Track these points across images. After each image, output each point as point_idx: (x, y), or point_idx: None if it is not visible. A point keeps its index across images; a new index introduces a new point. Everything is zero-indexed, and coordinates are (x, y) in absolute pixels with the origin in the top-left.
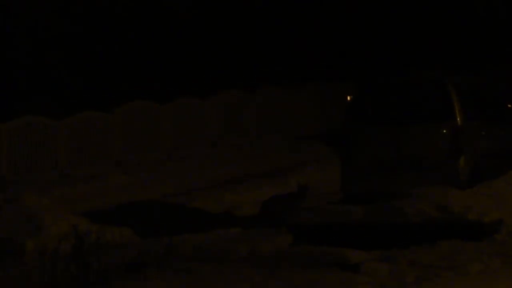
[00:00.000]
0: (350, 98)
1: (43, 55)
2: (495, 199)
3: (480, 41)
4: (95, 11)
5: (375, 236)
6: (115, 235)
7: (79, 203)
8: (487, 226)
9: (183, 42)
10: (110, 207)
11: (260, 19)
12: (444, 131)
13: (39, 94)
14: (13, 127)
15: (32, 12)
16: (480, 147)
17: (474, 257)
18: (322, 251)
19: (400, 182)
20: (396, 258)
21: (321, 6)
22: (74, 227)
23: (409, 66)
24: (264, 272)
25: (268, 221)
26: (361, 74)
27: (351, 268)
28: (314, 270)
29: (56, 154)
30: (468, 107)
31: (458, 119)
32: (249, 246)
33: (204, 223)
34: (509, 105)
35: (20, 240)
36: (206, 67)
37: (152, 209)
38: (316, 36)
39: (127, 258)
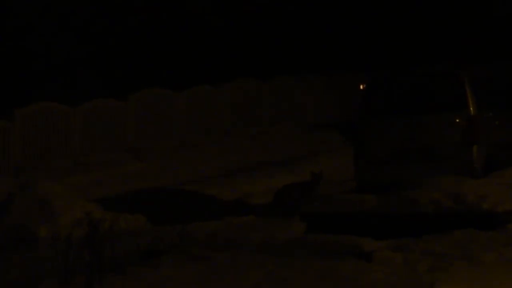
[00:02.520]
0: (363, 86)
1: (59, 43)
2: (509, 189)
3: (494, 33)
4: (110, 0)
5: (388, 225)
6: (128, 222)
7: (93, 190)
8: (500, 216)
9: (198, 30)
10: (124, 194)
11: (275, 8)
12: (457, 121)
13: (54, 81)
14: (27, 113)
15: (48, 0)
16: (493, 137)
17: (488, 247)
18: (335, 239)
19: (413, 171)
20: (410, 247)
21: None
22: (87, 214)
23: (423, 57)
24: (277, 260)
25: (282, 209)
26: (375, 64)
27: (365, 257)
28: (328, 258)
29: (70, 141)
30: (481, 97)
31: (471, 109)
32: (263, 234)
33: (217, 211)
34: None
35: (34, 226)
36: (220, 56)
37: (166, 197)
38: (330, 26)
39: (141, 245)
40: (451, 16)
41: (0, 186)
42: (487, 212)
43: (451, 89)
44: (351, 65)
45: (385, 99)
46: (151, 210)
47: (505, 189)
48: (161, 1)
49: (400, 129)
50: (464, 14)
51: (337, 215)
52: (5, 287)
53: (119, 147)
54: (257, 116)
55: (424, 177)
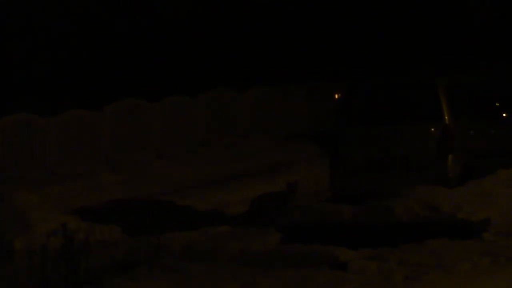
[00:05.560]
0: (338, 96)
1: (33, 53)
2: (484, 198)
3: (472, 40)
4: (85, 10)
5: (364, 235)
6: (104, 233)
7: (68, 201)
8: (476, 225)
9: (173, 40)
10: (99, 205)
11: (251, 18)
12: (433, 130)
13: (28, 92)
14: (3, 124)
15: (23, 10)
16: (469, 146)
17: (463, 256)
18: (311, 249)
19: (389, 181)
20: (385, 256)
21: (311, 6)
22: (63, 225)
23: (400, 66)
24: (253, 271)
25: (257, 220)
26: (351, 74)
27: (340, 267)
28: (303, 268)
29: (45, 152)
30: (457, 106)
31: (446, 118)
32: (239, 244)
33: (193, 221)
34: (497, 104)
35: (9, 238)
36: (196, 66)
37: (141, 207)
38: (306, 36)
39: (117, 256)
40: (431, 25)
41: None
42: (463, 221)
43: (426, 98)
44: (329, 75)
45: (361, 108)
46: (127, 221)
47: (481, 199)
48: (138, 13)
49: (375, 138)
50: (444, 23)
51: (312, 225)
52: None
53: (95, 158)
54: (234, 126)
55: (400, 187)
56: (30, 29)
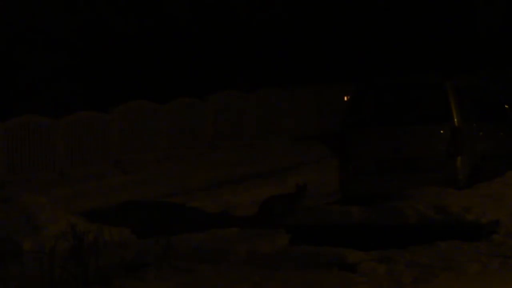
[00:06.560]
0: (348, 98)
1: (42, 56)
2: (493, 200)
3: (477, 42)
4: (93, 12)
5: (373, 236)
6: (113, 234)
7: (77, 203)
8: (485, 227)
9: (182, 42)
10: (109, 206)
11: (259, 20)
12: (442, 132)
13: (37, 94)
14: (11, 127)
15: (31, 12)
16: (478, 148)
17: (472, 258)
18: (320, 251)
19: (398, 183)
20: (394, 258)
21: (319, 7)
22: (72, 226)
23: (407, 67)
24: (262, 272)
25: (267, 221)
26: (359, 75)
27: (349, 268)
28: (313, 270)
29: (54, 154)
30: (465, 108)
31: (456, 120)
32: (248, 246)
33: (203, 223)
34: (507, 106)
35: (18, 239)
36: (205, 68)
37: (151, 209)
38: (315, 38)
39: (126, 258)
40: (435, 29)
41: None
42: (472, 223)
43: (435, 100)
44: (337, 77)
45: (370, 109)
46: (136, 223)
47: (490, 200)
48: (146, 15)
49: (384, 140)
50: (450, 29)
51: (322, 227)
52: None
53: (103, 160)
54: (243, 128)
55: (409, 188)
56: (39, 31)
